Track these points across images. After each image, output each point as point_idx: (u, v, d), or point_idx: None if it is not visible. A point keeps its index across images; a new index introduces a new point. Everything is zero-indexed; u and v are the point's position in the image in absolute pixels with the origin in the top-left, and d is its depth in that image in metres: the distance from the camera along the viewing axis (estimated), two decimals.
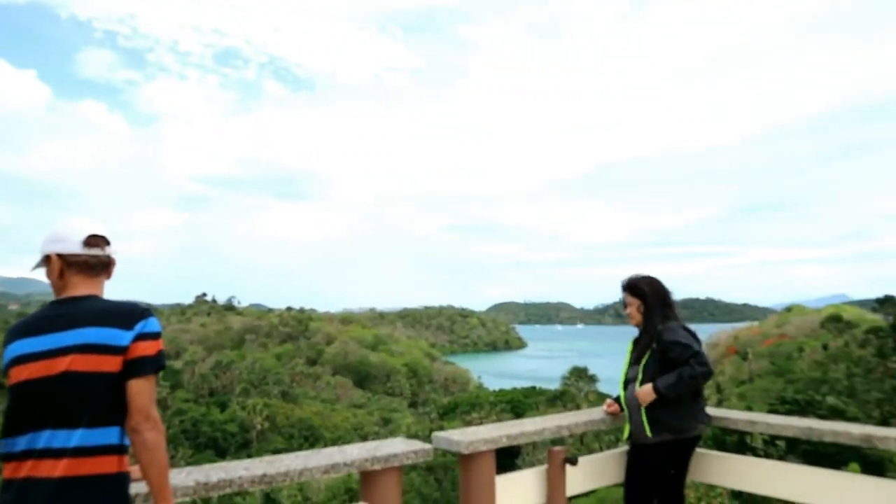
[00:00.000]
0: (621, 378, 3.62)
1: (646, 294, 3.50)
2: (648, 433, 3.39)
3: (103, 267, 2.13)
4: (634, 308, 3.54)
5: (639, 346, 3.54)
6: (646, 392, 3.37)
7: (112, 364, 1.93)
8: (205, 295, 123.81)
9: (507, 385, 72.41)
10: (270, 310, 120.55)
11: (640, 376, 3.49)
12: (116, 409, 1.94)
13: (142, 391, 1.95)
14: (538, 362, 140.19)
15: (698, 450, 3.63)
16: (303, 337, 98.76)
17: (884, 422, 39.61)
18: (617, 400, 3.64)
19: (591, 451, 3.86)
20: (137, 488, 2.13)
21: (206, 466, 2.51)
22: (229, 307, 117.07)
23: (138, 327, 1.98)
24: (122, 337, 1.95)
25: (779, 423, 3.49)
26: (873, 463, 21.96)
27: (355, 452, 2.74)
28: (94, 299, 2.06)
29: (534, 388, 64.18)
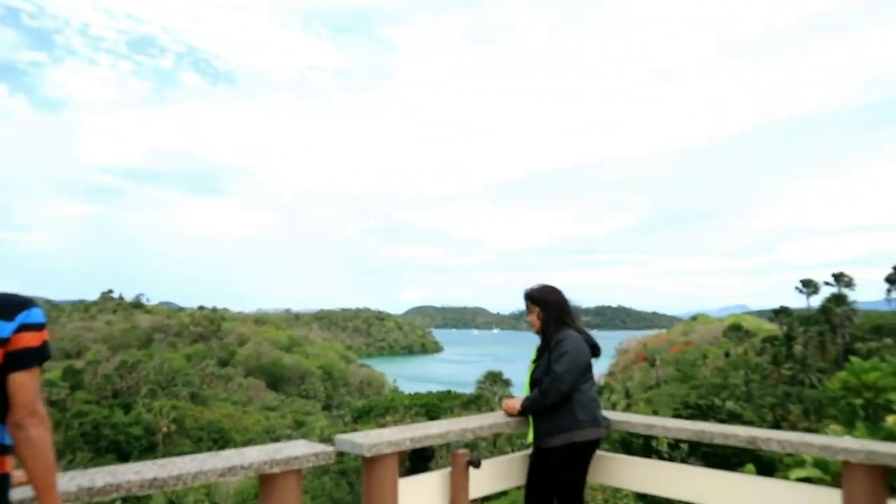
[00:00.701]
0: (526, 382, 3.71)
1: (544, 303, 3.65)
2: (528, 439, 3.59)
3: None
4: (534, 316, 3.68)
5: (539, 352, 3.68)
6: (510, 405, 3.67)
7: None
8: (111, 292, 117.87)
9: (423, 389, 72.63)
10: (181, 308, 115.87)
11: (527, 379, 3.67)
12: None
13: (25, 384, 1.81)
14: (454, 366, 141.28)
15: (603, 453, 3.75)
16: (215, 337, 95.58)
17: (776, 424, 42.21)
18: None
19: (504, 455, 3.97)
20: (19, 493, 1.99)
21: (93, 470, 2.37)
22: (137, 305, 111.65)
23: (20, 318, 1.85)
24: (2, 328, 1.81)
25: (675, 427, 3.65)
26: (766, 464, 23.45)
27: (254, 455, 2.65)
28: None
29: (449, 392, 64.63)
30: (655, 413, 44.19)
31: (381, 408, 55.59)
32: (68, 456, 44.75)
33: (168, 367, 74.08)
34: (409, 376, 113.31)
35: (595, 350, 3.66)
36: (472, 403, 53.01)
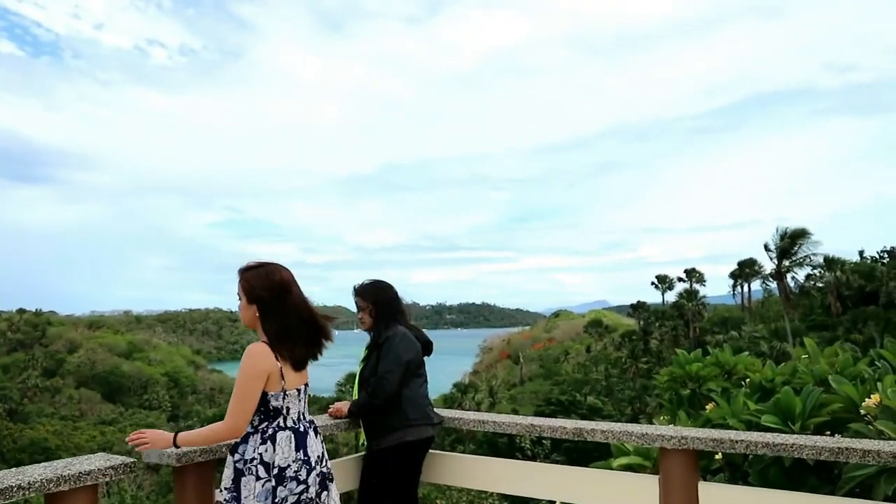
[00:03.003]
0: (355, 383, 3.62)
1: (374, 299, 3.58)
2: (363, 440, 3.50)
3: None
4: (365, 313, 3.59)
5: (369, 350, 3.59)
6: (338, 409, 3.55)
7: None
8: None
9: None
10: None
11: (357, 378, 3.58)
12: None
13: None
14: (313, 369, 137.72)
15: (438, 452, 3.74)
16: (38, 344, 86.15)
17: (634, 417, 44.97)
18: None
19: None
20: None
21: None
22: None
23: None
24: None
25: (505, 422, 3.72)
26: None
27: (37, 472, 2.33)
28: None
29: (308, 395, 63.13)
30: (515, 411, 45.81)
31: None
32: None
33: None
34: None
35: (427, 347, 3.63)
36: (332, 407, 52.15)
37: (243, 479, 2.45)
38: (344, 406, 3.53)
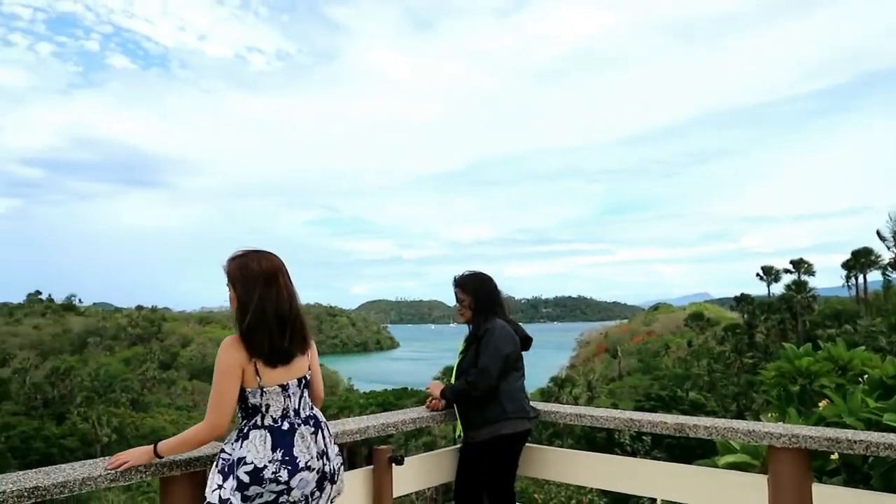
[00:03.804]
0: (453, 374, 3.61)
1: (474, 291, 3.55)
2: (459, 431, 3.46)
3: None
4: (465, 305, 3.56)
5: (467, 343, 3.57)
6: (433, 386, 3.57)
7: None
8: (39, 293, 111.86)
9: (379, 387, 72.19)
10: (118, 309, 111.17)
11: (454, 370, 3.56)
12: None
13: None
14: (411, 363, 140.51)
15: (534, 445, 3.70)
16: (155, 339, 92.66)
17: (739, 414, 42.96)
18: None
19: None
20: None
21: None
22: (69, 306, 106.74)
23: None
24: None
25: (602, 416, 3.62)
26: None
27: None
28: None
29: (406, 389, 64.38)
30: (615, 405, 44.75)
31: (335, 408, 55.03)
32: None
33: (105, 372, 71.68)
34: (365, 374, 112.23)
35: (526, 342, 3.58)
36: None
37: (212, 472, 2.35)
38: (437, 387, 3.54)
